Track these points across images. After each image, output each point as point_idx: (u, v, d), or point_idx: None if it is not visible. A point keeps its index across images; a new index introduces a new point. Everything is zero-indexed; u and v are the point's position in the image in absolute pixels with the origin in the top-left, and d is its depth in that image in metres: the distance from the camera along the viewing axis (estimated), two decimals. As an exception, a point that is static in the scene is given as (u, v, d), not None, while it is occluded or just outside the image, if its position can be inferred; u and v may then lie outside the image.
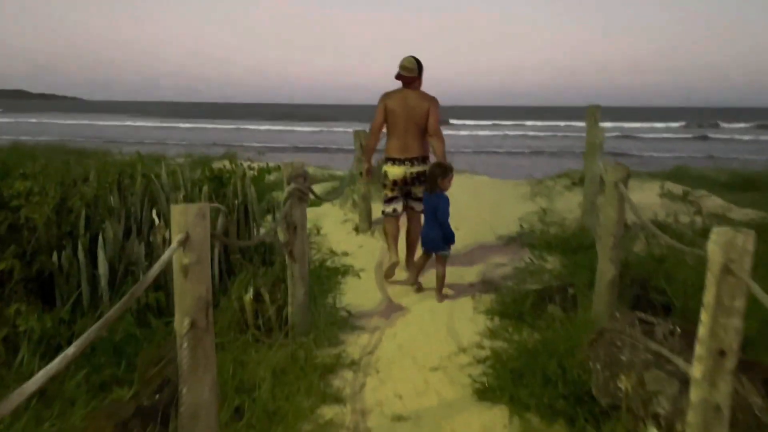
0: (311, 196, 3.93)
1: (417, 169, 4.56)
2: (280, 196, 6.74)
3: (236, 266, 4.67)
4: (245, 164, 9.56)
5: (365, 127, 6.03)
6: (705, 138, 39.65)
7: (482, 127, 50.31)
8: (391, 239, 4.77)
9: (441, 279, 4.42)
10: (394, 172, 4.59)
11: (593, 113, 6.87)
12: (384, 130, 4.68)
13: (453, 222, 4.47)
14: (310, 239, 5.67)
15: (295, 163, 3.68)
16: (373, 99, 4.89)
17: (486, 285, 4.57)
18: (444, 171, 4.29)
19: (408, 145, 4.53)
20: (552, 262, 4.96)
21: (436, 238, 4.33)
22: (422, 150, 4.58)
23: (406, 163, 4.55)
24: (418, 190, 4.60)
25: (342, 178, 6.80)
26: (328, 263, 5.17)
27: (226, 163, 9.55)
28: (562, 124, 53.62)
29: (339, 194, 5.55)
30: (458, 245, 4.95)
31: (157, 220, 4.36)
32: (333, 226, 6.02)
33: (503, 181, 7.99)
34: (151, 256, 4.01)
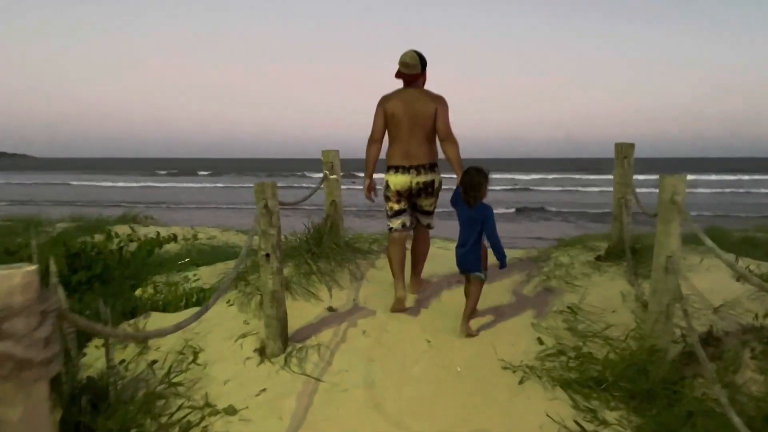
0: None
1: (424, 178, 3.93)
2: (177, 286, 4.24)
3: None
4: (138, 232, 7.09)
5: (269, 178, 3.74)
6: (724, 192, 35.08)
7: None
8: (397, 266, 4.03)
9: (472, 306, 3.70)
10: (397, 181, 3.95)
11: (625, 153, 4.73)
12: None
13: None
14: (176, 375, 3.19)
15: (11, 273, 1.27)
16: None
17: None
18: (486, 176, 3.65)
19: (413, 151, 3.92)
20: (617, 430, 2.63)
21: (474, 257, 3.66)
22: (430, 156, 3.96)
23: (411, 171, 3.92)
24: (426, 203, 4.03)
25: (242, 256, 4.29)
26: (195, 434, 2.71)
27: (116, 230, 7.04)
28: (524, 177, 52.54)
29: (227, 284, 3.05)
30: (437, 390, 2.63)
31: None
32: (222, 345, 3.52)
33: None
34: None
